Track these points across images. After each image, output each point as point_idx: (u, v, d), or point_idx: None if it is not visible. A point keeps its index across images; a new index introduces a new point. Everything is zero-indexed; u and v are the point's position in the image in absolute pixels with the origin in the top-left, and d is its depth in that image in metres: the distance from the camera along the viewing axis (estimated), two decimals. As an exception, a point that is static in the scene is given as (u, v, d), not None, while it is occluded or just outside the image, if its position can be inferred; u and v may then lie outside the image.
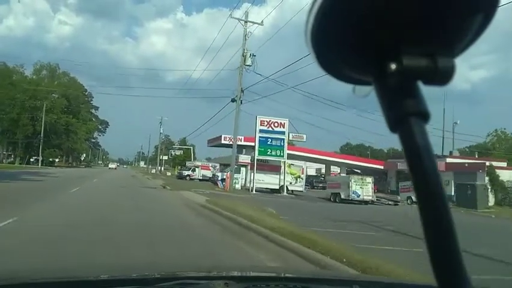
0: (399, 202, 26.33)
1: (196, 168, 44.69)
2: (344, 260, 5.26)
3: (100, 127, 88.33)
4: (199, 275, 1.77)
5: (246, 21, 24.63)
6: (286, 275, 2.01)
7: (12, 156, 63.24)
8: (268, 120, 28.41)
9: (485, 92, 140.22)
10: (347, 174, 41.32)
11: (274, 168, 28.68)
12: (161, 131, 67.66)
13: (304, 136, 31.55)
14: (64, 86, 65.59)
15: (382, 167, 42.28)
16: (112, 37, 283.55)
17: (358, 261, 5.13)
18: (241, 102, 24.57)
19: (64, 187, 17.92)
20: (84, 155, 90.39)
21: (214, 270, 1.98)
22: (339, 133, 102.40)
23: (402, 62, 0.37)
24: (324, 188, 38.57)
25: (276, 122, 28.44)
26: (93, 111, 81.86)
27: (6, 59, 60.09)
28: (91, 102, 80.00)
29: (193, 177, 42.43)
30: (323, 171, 51.14)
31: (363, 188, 24.27)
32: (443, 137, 40.49)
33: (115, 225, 8.21)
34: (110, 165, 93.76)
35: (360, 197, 24.06)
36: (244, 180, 30.00)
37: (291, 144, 30.56)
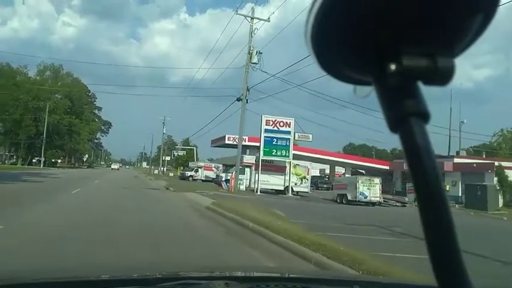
0: (406, 203, 25.88)
1: (199, 169, 44.34)
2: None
3: (103, 128, 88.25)
4: (200, 275, 1.77)
5: (252, 18, 24.25)
6: (287, 275, 2.05)
7: (14, 157, 63.08)
8: (273, 119, 27.96)
9: (490, 91, 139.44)
10: (352, 174, 40.86)
11: (279, 169, 28.24)
12: (164, 132, 67.41)
13: (311, 136, 31.05)
14: (68, 86, 65.39)
15: (387, 168, 41.71)
16: (116, 38, 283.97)
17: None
18: (247, 101, 24.17)
19: (65, 188, 17.59)
20: (86, 155, 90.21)
21: (215, 271, 1.97)
22: (345, 131, 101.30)
23: (402, 62, 0.37)
24: (328, 188, 38.19)
25: (282, 121, 27.97)
26: (96, 111, 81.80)
27: (11, 60, 59.77)
28: (94, 103, 79.94)
29: (195, 178, 42.08)
30: (327, 171, 50.67)
31: (371, 189, 23.79)
32: (449, 136, 39.96)
33: (117, 226, 7.97)
34: (113, 166, 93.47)
35: (368, 198, 23.57)
36: (248, 181, 29.56)
37: (295, 144, 30.08)
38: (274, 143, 27.53)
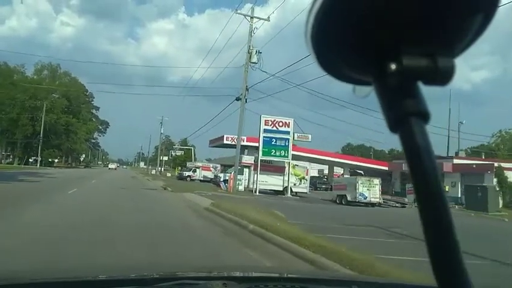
0: (406, 204, 25.72)
1: (197, 169, 44.16)
2: None
3: (100, 127, 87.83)
4: (198, 275, 1.76)
5: (252, 17, 24.08)
6: (285, 275, 2.04)
7: (11, 156, 62.68)
8: (272, 119, 27.74)
9: (488, 93, 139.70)
10: (350, 175, 40.71)
11: (278, 169, 28.03)
12: (162, 131, 67.19)
13: (310, 136, 30.83)
14: (65, 86, 65.04)
15: (386, 168, 41.57)
16: (114, 38, 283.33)
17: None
18: (246, 101, 23.96)
19: (61, 188, 17.36)
20: (83, 155, 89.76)
21: (213, 271, 1.96)
22: (344, 131, 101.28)
23: (402, 62, 0.37)
24: (327, 189, 38.02)
25: (281, 121, 27.75)
26: (94, 111, 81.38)
27: (9, 59, 59.61)
28: (92, 102, 79.58)
29: (193, 178, 41.92)
30: (326, 172, 50.50)
31: (370, 190, 23.64)
32: (448, 137, 39.89)
33: (114, 226, 7.87)
34: (110, 166, 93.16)
35: (367, 199, 23.42)
36: (247, 181, 29.36)
37: (293, 145, 29.90)
38: (273, 143, 27.31)
